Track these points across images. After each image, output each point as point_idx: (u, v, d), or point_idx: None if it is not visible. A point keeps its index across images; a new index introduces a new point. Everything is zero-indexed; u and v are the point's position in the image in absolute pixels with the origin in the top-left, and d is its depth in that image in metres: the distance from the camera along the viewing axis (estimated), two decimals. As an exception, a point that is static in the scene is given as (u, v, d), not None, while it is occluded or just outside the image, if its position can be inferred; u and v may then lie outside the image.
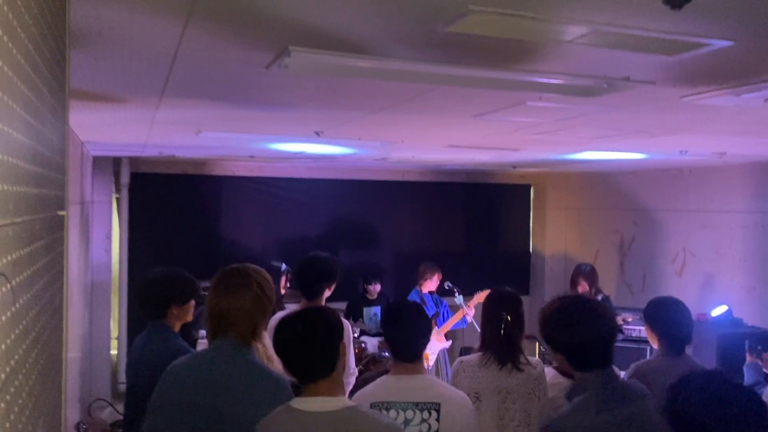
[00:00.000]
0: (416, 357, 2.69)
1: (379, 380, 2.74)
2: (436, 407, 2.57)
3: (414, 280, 6.57)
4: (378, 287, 7.01)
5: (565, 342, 2.37)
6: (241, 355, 2.34)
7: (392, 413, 2.57)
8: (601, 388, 2.30)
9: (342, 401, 2.14)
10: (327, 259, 3.76)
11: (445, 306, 6.54)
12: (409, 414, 2.56)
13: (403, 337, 2.71)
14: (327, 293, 3.73)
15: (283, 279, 5.60)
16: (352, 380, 3.75)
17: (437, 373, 6.11)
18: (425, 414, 2.56)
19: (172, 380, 2.36)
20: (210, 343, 2.42)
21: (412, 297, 6.45)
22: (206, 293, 2.45)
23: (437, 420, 2.55)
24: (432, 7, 1.91)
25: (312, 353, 2.11)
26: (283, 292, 5.58)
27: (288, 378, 2.40)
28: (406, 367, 2.67)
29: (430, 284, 6.47)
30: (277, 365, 2.74)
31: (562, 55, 2.44)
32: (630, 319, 6.54)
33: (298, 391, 2.32)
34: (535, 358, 3.29)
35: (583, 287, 6.22)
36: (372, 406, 2.58)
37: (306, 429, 2.07)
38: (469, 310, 6.10)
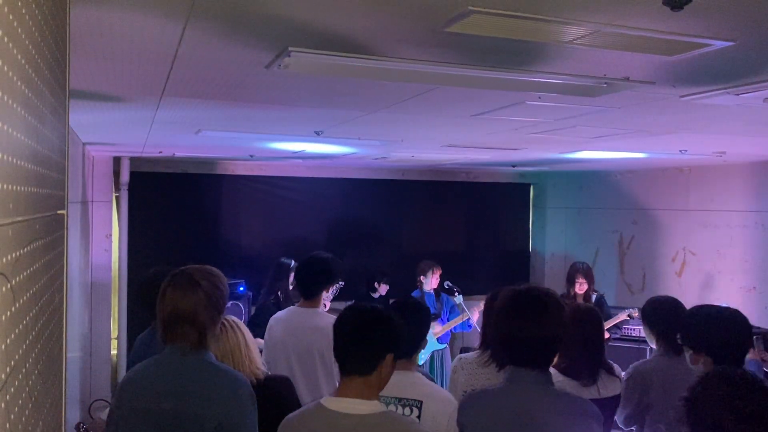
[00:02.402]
0: (407, 354, 2.67)
1: None
2: (418, 405, 2.57)
3: (414, 278, 6.56)
4: (386, 287, 6.99)
5: (497, 334, 2.33)
6: (196, 357, 2.30)
7: None
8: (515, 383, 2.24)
9: (377, 405, 2.10)
10: (327, 260, 3.69)
11: (452, 306, 6.50)
12: (391, 408, 2.56)
13: None
14: (324, 294, 3.69)
15: (292, 275, 5.57)
16: None
17: (431, 374, 6.09)
18: (407, 410, 2.57)
19: (131, 389, 2.33)
20: (163, 348, 2.37)
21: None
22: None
23: (418, 417, 2.55)
24: (432, 7, 1.91)
25: (354, 343, 2.10)
26: (291, 287, 5.55)
27: (246, 377, 2.40)
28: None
29: (428, 282, 6.43)
30: (257, 365, 2.74)
31: (562, 55, 2.44)
32: (636, 315, 6.47)
33: (255, 388, 2.31)
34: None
35: (581, 285, 6.19)
36: None
37: (338, 431, 2.03)
38: (473, 315, 6.06)
